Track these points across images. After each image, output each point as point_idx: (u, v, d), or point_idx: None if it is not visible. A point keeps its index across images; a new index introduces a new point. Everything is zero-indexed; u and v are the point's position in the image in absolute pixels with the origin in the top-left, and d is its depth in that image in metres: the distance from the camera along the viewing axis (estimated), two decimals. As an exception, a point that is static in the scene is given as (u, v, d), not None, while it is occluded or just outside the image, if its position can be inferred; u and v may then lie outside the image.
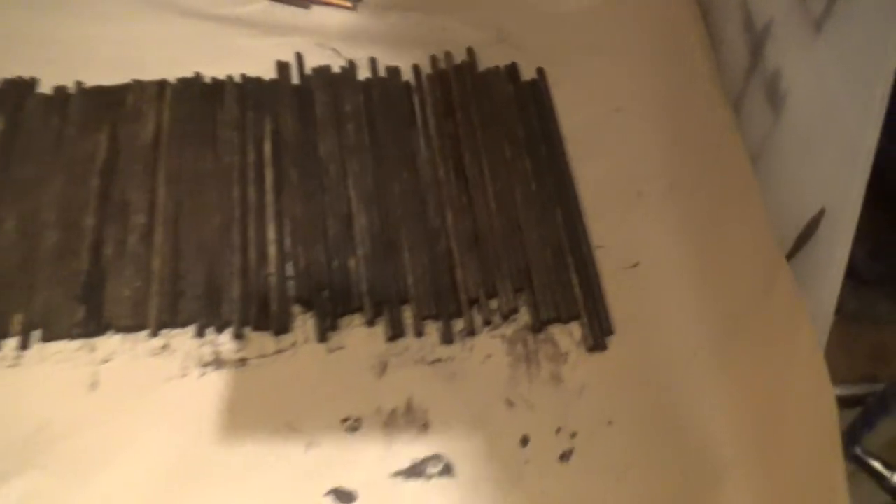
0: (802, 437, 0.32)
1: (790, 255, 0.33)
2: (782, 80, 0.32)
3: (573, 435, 0.37)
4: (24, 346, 0.42)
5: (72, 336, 0.42)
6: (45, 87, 0.53)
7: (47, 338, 0.42)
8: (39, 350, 0.41)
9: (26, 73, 0.53)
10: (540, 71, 0.51)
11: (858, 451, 0.41)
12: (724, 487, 0.35)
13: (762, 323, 0.35)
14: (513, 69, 0.52)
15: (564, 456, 0.36)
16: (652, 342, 0.39)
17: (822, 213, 0.30)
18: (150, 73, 0.53)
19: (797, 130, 0.32)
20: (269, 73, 0.53)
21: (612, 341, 0.40)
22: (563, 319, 0.41)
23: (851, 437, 0.39)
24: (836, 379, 0.33)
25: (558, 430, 0.37)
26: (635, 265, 0.42)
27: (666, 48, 0.48)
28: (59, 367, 0.41)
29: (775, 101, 0.33)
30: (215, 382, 0.40)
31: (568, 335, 0.40)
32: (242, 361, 0.40)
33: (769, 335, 0.34)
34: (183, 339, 0.41)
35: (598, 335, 0.40)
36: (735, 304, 0.37)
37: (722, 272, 0.39)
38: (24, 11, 0.57)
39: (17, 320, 0.42)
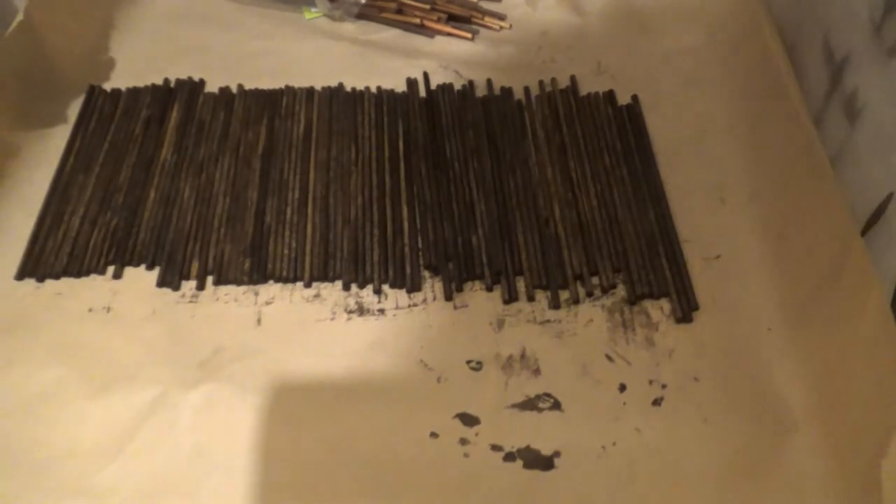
0: (870, 396, 0.38)
1: (862, 234, 0.40)
2: (858, 98, 0.39)
3: (664, 386, 0.43)
4: (200, 287, 0.50)
5: (240, 282, 0.50)
6: (212, 87, 0.63)
7: (219, 282, 0.50)
8: (213, 292, 0.50)
9: (196, 76, 0.64)
10: (634, 97, 0.59)
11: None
12: (795, 436, 0.40)
13: (833, 299, 0.41)
14: (610, 95, 0.60)
15: (656, 402, 0.43)
16: (732, 317, 0.46)
17: (889, 197, 0.37)
18: (300, 82, 0.63)
19: (870, 134, 0.38)
20: (400, 88, 0.62)
21: (697, 316, 0.46)
22: (655, 295, 0.48)
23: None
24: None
25: (651, 382, 0.44)
26: (718, 257, 0.49)
27: (753, 78, 0.55)
28: (230, 305, 0.49)
29: (851, 115, 0.40)
30: (359, 325, 0.47)
31: (659, 309, 0.47)
32: (381, 311, 0.48)
33: (842, 303, 0.40)
34: (331, 291, 0.50)
35: (686, 309, 0.46)
36: (810, 281, 0.43)
37: (798, 254, 0.45)
38: (197, 29, 0.68)
39: (195, 267, 0.51)
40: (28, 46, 0.56)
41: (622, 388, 0.43)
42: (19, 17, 0.55)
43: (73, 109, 0.60)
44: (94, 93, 0.61)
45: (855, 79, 0.40)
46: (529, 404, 0.43)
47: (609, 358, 0.45)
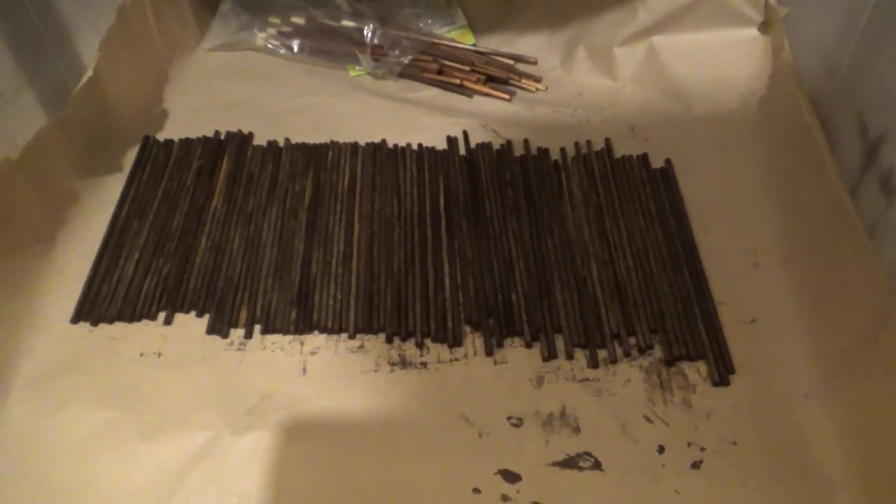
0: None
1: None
2: (895, 176, 0.41)
3: (702, 449, 0.44)
4: (248, 335, 0.52)
5: (286, 331, 0.52)
6: (260, 140, 0.66)
7: (266, 331, 0.52)
8: (260, 340, 0.52)
9: (244, 128, 0.67)
10: (668, 161, 0.61)
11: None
12: (834, 501, 0.41)
13: (871, 364, 0.42)
14: (644, 157, 0.62)
15: (695, 465, 0.43)
16: (768, 381, 0.46)
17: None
18: (344, 137, 0.65)
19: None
20: (440, 145, 0.65)
21: (734, 379, 0.47)
22: (692, 357, 0.49)
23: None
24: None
25: (689, 444, 0.44)
26: (753, 321, 0.50)
27: (785, 144, 0.57)
28: (276, 354, 0.51)
29: (888, 191, 0.42)
30: (402, 378, 0.49)
31: (696, 371, 0.48)
32: (423, 365, 0.50)
33: (880, 369, 0.41)
34: (375, 343, 0.51)
35: (722, 372, 0.47)
36: (846, 346, 0.44)
37: (833, 319, 0.46)
38: (246, 83, 0.72)
39: (244, 315, 0.53)
40: (94, 101, 0.59)
41: (661, 449, 0.44)
42: (88, 73, 0.58)
43: (129, 158, 0.63)
44: (148, 143, 0.64)
45: (892, 158, 0.42)
46: (570, 463, 0.44)
47: (647, 419, 0.46)
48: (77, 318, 0.53)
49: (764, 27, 0.66)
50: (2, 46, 0.52)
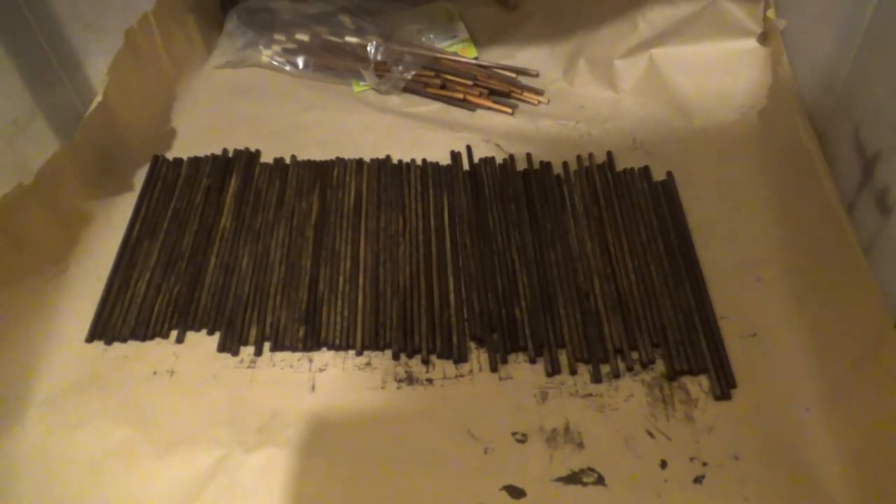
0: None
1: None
2: (891, 194, 0.41)
3: (704, 464, 0.45)
4: (257, 353, 0.53)
5: (295, 349, 0.53)
6: (267, 157, 0.67)
7: (275, 348, 0.53)
8: (269, 357, 0.53)
9: (252, 145, 0.68)
10: (669, 174, 0.62)
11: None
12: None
13: (872, 378, 0.42)
14: (646, 171, 0.63)
15: (698, 479, 0.44)
16: (770, 395, 0.47)
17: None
18: (349, 153, 0.67)
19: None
20: (444, 160, 0.66)
21: (735, 393, 0.48)
22: (694, 372, 0.49)
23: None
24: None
25: (692, 459, 0.45)
26: (754, 335, 0.51)
27: (785, 158, 0.58)
28: (285, 371, 0.52)
29: (884, 209, 0.42)
30: (409, 394, 0.50)
31: (697, 385, 0.49)
32: (429, 381, 0.51)
33: (876, 390, 0.42)
34: (382, 360, 0.52)
35: (724, 386, 0.48)
36: (846, 361, 0.45)
37: (833, 334, 0.47)
38: (252, 100, 0.73)
39: (253, 333, 0.54)
40: (104, 124, 0.60)
41: (663, 464, 0.45)
42: (98, 98, 0.59)
43: (139, 178, 0.64)
44: (158, 162, 0.66)
45: (887, 177, 0.43)
46: (574, 478, 0.45)
47: (650, 433, 0.46)
48: (91, 337, 0.54)
49: (763, 38, 0.67)
50: (14, 74, 0.53)
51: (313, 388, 0.51)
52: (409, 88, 0.73)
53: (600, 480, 0.45)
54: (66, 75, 0.59)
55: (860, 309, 0.44)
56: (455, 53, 0.75)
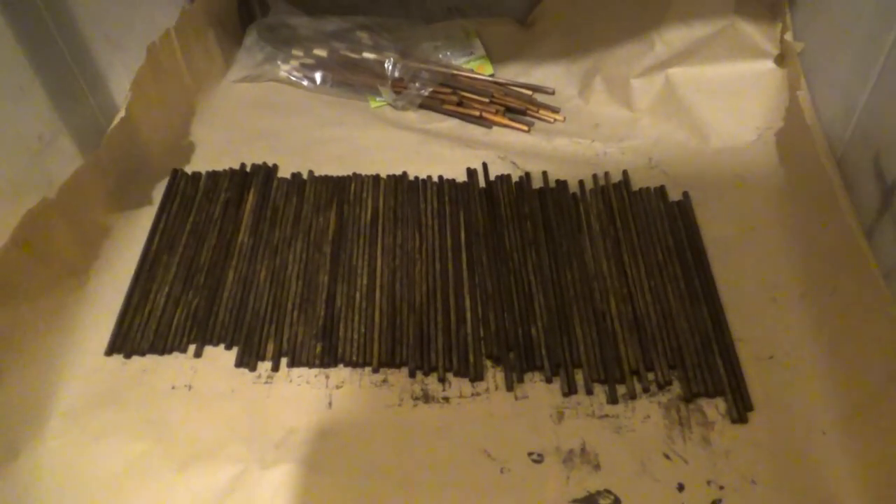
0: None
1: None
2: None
3: (721, 487, 0.45)
4: (275, 368, 0.53)
5: (312, 365, 0.54)
6: (284, 172, 0.68)
7: (292, 364, 0.54)
8: (287, 373, 0.53)
9: (269, 159, 0.69)
10: (685, 194, 0.62)
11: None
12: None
13: (889, 402, 0.42)
14: (662, 190, 0.63)
15: (715, 503, 0.44)
16: (786, 418, 0.47)
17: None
18: (366, 169, 0.67)
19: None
20: (460, 177, 0.66)
21: (752, 416, 0.48)
22: (710, 394, 0.49)
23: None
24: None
25: (709, 482, 0.45)
26: (771, 357, 0.51)
27: (801, 180, 0.58)
28: (302, 387, 0.52)
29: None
30: (425, 412, 0.50)
31: (714, 407, 0.49)
32: (446, 399, 0.51)
33: (895, 415, 0.42)
34: (398, 377, 0.52)
35: (741, 410, 0.48)
36: (864, 385, 0.45)
37: (851, 358, 0.47)
38: (270, 115, 0.74)
39: (271, 348, 0.55)
40: (126, 139, 0.61)
41: (680, 487, 0.45)
42: (121, 113, 0.60)
43: (158, 191, 0.65)
44: (177, 176, 0.66)
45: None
46: (591, 500, 0.45)
47: (667, 456, 0.46)
48: (111, 350, 0.54)
49: (780, 60, 0.67)
50: (40, 91, 0.54)
51: (330, 404, 0.51)
52: (426, 105, 0.73)
53: (617, 503, 0.45)
54: (90, 91, 0.60)
55: (879, 333, 0.44)
56: (472, 70, 0.76)
